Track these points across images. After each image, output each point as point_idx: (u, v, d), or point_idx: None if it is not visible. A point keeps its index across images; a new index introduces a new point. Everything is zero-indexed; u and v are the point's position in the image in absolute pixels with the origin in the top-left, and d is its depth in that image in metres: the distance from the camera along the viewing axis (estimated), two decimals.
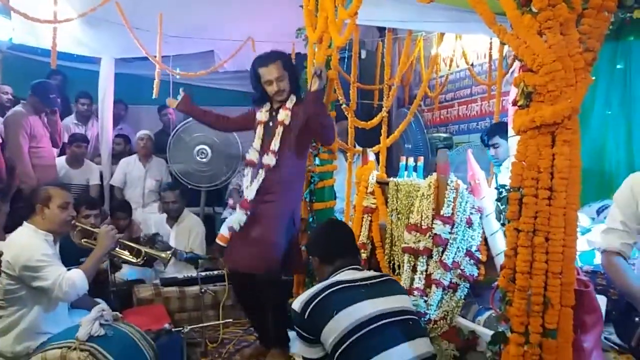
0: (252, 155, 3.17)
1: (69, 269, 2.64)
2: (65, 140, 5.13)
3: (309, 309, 1.87)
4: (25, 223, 2.66)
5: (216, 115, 3.48)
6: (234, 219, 3.03)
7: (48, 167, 4.72)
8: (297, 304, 1.92)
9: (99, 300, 2.98)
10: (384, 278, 2.08)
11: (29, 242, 2.55)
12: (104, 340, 2.14)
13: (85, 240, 3.02)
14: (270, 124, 3.18)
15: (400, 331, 1.85)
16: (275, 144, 3.10)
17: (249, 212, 3.02)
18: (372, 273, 2.11)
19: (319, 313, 1.85)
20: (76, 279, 2.60)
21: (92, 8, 4.36)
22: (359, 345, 1.78)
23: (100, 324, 2.18)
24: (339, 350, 1.78)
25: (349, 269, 2.06)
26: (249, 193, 3.06)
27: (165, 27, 4.64)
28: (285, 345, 3.00)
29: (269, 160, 3.09)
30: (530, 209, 1.66)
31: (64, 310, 2.72)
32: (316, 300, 1.88)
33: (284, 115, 3.12)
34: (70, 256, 3.14)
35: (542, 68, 1.62)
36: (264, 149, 3.15)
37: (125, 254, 3.12)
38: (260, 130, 3.19)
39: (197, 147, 5.22)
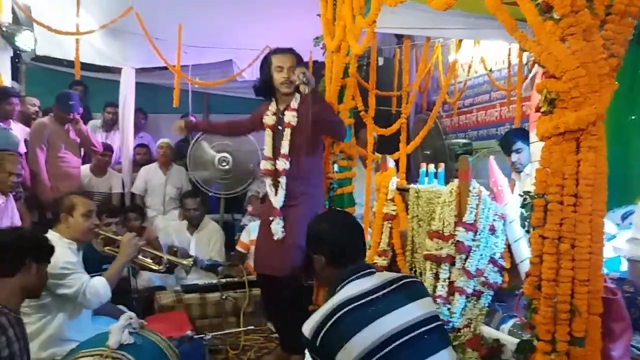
0: (267, 165, 3.16)
1: (92, 276, 2.68)
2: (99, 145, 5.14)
3: (320, 336, 1.68)
4: (50, 231, 2.72)
5: (225, 124, 3.51)
6: (274, 228, 3.05)
7: (70, 175, 4.78)
8: (307, 329, 1.72)
9: (121, 307, 3.02)
10: (402, 282, 1.80)
11: (57, 250, 2.59)
12: (134, 349, 2.15)
13: (108, 248, 3.06)
14: (279, 127, 3.17)
15: (411, 353, 1.65)
16: (285, 148, 3.09)
17: (282, 219, 3.06)
18: (387, 276, 1.83)
19: (332, 340, 1.66)
20: (99, 286, 2.66)
21: (113, 19, 4.45)
22: None
23: (129, 332, 2.20)
24: None
25: (361, 276, 1.79)
26: (277, 202, 3.07)
27: (184, 37, 4.70)
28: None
29: (283, 164, 3.09)
30: (556, 216, 1.65)
31: (87, 318, 2.77)
32: (327, 326, 1.68)
33: (290, 116, 3.12)
34: (93, 264, 3.19)
35: (565, 74, 1.61)
36: (275, 155, 3.13)
37: (148, 262, 3.16)
38: (269, 136, 3.18)
39: (219, 156, 5.25)
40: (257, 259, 3.22)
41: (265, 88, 3.21)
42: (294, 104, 3.14)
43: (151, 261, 3.16)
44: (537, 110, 1.72)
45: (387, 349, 1.62)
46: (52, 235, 2.67)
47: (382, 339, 1.63)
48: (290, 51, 3.19)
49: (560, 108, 1.65)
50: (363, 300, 1.72)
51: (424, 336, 1.68)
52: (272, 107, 3.21)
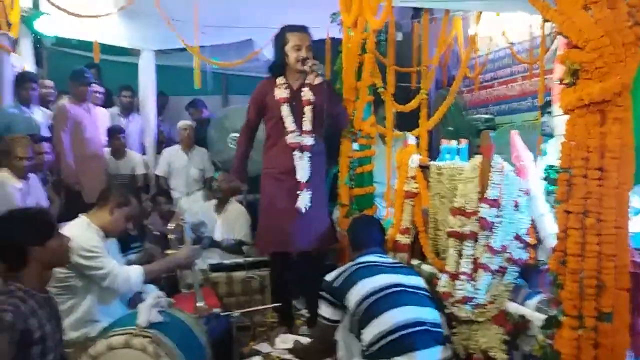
0: (295, 138, 3.18)
1: (125, 255, 2.70)
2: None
3: (338, 278, 2.36)
4: (81, 215, 2.75)
5: (246, 146, 3.49)
6: (302, 200, 3.15)
7: (95, 157, 4.85)
8: (329, 276, 2.41)
9: (150, 285, 3.06)
10: (401, 264, 2.63)
11: (83, 233, 2.62)
12: (163, 327, 2.19)
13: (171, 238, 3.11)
14: (294, 103, 3.21)
15: (407, 297, 2.28)
16: (307, 125, 3.18)
17: (309, 191, 3.16)
18: (392, 259, 2.68)
19: (347, 281, 2.33)
20: (133, 275, 2.68)
21: (131, 0, 4.44)
22: (376, 303, 2.23)
23: (158, 311, 2.24)
24: (361, 307, 2.23)
25: (373, 255, 2.50)
26: (304, 175, 3.16)
27: (201, 18, 4.68)
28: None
29: (308, 140, 3.19)
30: (580, 190, 1.63)
31: (116, 301, 2.78)
32: (346, 273, 2.37)
33: (309, 94, 3.19)
34: (122, 243, 3.24)
35: (588, 44, 1.58)
36: (298, 129, 3.20)
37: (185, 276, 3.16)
38: (286, 109, 3.20)
39: (231, 135, 5.26)
40: (278, 237, 3.24)
41: (280, 65, 3.23)
42: (315, 79, 3.20)
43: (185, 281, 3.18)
44: (560, 82, 1.69)
45: (387, 291, 2.27)
46: (81, 219, 2.72)
47: (386, 285, 2.29)
48: (305, 29, 3.24)
49: (584, 79, 1.62)
50: (372, 263, 2.44)
51: (417, 294, 2.34)
52: (281, 81, 3.23)
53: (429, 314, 2.28)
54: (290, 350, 2.86)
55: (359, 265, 2.41)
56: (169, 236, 3.18)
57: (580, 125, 1.65)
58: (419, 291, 2.36)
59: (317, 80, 3.17)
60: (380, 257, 2.53)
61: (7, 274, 1.98)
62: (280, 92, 3.20)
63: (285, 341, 3.10)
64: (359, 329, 2.23)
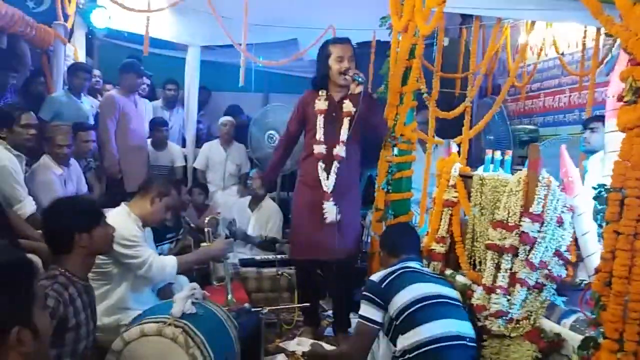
0: (320, 149, 3.22)
1: (157, 245, 2.75)
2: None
3: (386, 280, 2.32)
4: (122, 204, 2.81)
5: (283, 153, 3.55)
6: (331, 212, 3.15)
7: (138, 149, 4.93)
8: (375, 277, 2.37)
9: (182, 277, 3.11)
10: (440, 276, 2.64)
11: (123, 222, 2.65)
12: (195, 318, 2.22)
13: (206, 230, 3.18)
14: (334, 114, 3.21)
15: (450, 310, 2.27)
16: (344, 135, 3.18)
17: (335, 202, 3.16)
18: (430, 270, 2.71)
19: (395, 284, 2.29)
20: (167, 265, 2.73)
21: None
22: (420, 311, 2.20)
23: (192, 302, 2.27)
24: (405, 313, 2.20)
25: (413, 262, 2.48)
26: (329, 185, 3.17)
27: (249, 16, 4.73)
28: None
29: (340, 151, 3.19)
30: (633, 211, 1.58)
31: (149, 291, 2.84)
32: (393, 275, 2.34)
33: (349, 106, 3.20)
34: (158, 233, 3.30)
35: None
36: (328, 140, 3.21)
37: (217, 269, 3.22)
38: (320, 120, 3.22)
39: (267, 132, 5.31)
40: (306, 244, 3.26)
41: (322, 80, 3.27)
42: (350, 91, 3.21)
43: (217, 273, 3.22)
44: (620, 99, 1.63)
45: (432, 301, 2.25)
46: (122, 208, 2.77)
47: (431, 293, 2.28)
48: (348, 41, 3.27)
49: None
50: (416, 270, 2.44)
51: (458, 307, 2.33)
52: (323, 93, 3.26)
53: (468, 328, 2.26)
54: (304, 354, 2.84)
55: (406, 269, 2.38)
56: (205, 229, 3.23)
57: (638, 145, 1.59)
58: (459, 304, 2.35)
59: (358, 89, 3.16)
60: (421, 265, 2.54)
61: (52, 259, 2.04)
62: (320, 104, 3.24)
63: (301, 344, 3.11)
64: (398, 333, 2.20)
